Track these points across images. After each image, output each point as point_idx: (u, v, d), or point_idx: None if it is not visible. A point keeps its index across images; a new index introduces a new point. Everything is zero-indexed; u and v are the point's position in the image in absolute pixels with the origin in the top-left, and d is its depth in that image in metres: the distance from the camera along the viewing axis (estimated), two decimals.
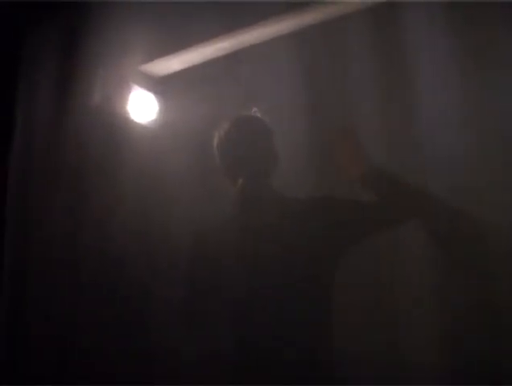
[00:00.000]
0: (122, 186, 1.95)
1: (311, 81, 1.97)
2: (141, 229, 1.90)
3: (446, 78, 1.70)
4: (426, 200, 1.50)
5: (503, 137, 1.64)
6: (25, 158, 1.91)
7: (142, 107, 2.26)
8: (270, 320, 1.45)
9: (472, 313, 1.52)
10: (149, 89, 2.30)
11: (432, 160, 1.72)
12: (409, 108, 1.78)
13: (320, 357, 1.45)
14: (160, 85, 2.33)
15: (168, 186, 2.01)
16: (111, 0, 2.05)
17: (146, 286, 1.81)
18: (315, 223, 1.50)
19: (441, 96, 1.70)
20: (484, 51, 1.73)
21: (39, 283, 1.84)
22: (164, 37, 2.15)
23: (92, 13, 2.09)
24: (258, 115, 1.70)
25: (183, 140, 2.14)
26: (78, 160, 1.98)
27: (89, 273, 1.84)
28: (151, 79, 2.32)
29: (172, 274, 1.70)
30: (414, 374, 1.60)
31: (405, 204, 1.50)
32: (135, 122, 2.22)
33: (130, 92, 2.22)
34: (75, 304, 1.77)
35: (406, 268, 1.72)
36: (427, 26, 1.73)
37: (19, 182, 1.86)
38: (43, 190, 1.90)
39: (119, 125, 2.09)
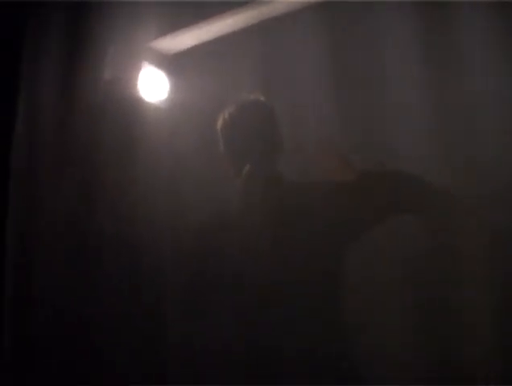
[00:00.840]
0: (133, 167, 1.86)
1: (331, 61, 1.86)
2: (150, 213, 1.81)
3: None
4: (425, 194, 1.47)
5: None
6: (29, 137, 1.82)
7: (152, 85, 2.17)
8: (277, 313, 1.41)
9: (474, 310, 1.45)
10: (160, 67, 2.21)
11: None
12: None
13: (322, 354, 1.40)
14: (172, 62, 2.24)
15: (178, 168, 1.93)
16: None
17: (156, 273, 1.73)
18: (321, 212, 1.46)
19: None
20: None
21: (44, 271, 1.77)
22: (176, 11, 2.04)
23: None
24: (262, 98, 1.62)
25: (196, 120, 2.05)
26: (86, 141, 1.89)
27: (97, 259, 1.77)
28: (162, 56, 2.23)
29: (178, 262, 1.63)
30: (418, 374, 1.55)
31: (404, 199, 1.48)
32: (146, 101, 2.13)
33: (140, 70, 2.13)
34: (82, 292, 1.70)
35: (409, 264, 1.66)
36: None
37: (22, 165, 1.77)
38: (48, 173, 1.81)
39: (129, 105, 2.00)
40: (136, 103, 2.08)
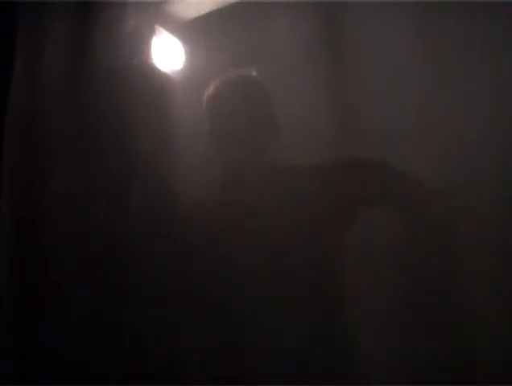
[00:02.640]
0: (140, 143, 1.74)
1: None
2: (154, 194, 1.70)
3: None
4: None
5: None
6: (28, 106, 1.72)
7: (165, 54, 2.02)
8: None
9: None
10: (175, 34, 2.06)
11: None
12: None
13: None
14: (188, 29, 2.08)
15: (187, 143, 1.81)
16: None
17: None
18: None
19: None
20: None
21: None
22: None
23: None
24: (255, 74, 1.49)
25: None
26: (92, 112, 1.77)
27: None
28: (178, 21, 2.09)
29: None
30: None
31: None
32: (159, 69, 1.99)
33: (152, 37, 1.99)
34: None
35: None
36: None
37: (19, 138, 1.66)
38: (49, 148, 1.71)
39: (138, 74, 1.87)
40: (149, 70, 1.94)
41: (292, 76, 1.60)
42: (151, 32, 1.96)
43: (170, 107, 1.76)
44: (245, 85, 1.51)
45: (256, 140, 1.45)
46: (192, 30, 2.06)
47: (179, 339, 1.49)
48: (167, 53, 2.02)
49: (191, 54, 2.02)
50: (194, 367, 1.46)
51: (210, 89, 1.53)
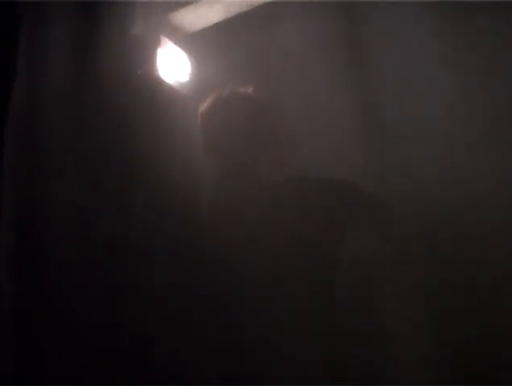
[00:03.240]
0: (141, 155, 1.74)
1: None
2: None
3: None
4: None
5: None
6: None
7: (171, 66, 2.03)
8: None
9: None
10: (180, 45, 2.07)
11: None
12: None
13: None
14: (194, 41, 2.10)
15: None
16: None
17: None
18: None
19: None
20: None
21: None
22: None
23: None
24: (251, 91, 1.49)
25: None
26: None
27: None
28: (184, 32, 2.10)
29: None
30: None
31: None
32: (162, 83, 1.99)
33: (156, 49, 2.00)
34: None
35: None
36: None
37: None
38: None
39: (142, 87, 1.87)
40: (149, 86, 1.94)
41: (299, 85, 1.61)
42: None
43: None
44: (240, 102, 1.51)
45: (254, 153, 1.46)
46: (195, 35, 2.08)
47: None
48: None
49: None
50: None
51: (204, 106, 1.54)
